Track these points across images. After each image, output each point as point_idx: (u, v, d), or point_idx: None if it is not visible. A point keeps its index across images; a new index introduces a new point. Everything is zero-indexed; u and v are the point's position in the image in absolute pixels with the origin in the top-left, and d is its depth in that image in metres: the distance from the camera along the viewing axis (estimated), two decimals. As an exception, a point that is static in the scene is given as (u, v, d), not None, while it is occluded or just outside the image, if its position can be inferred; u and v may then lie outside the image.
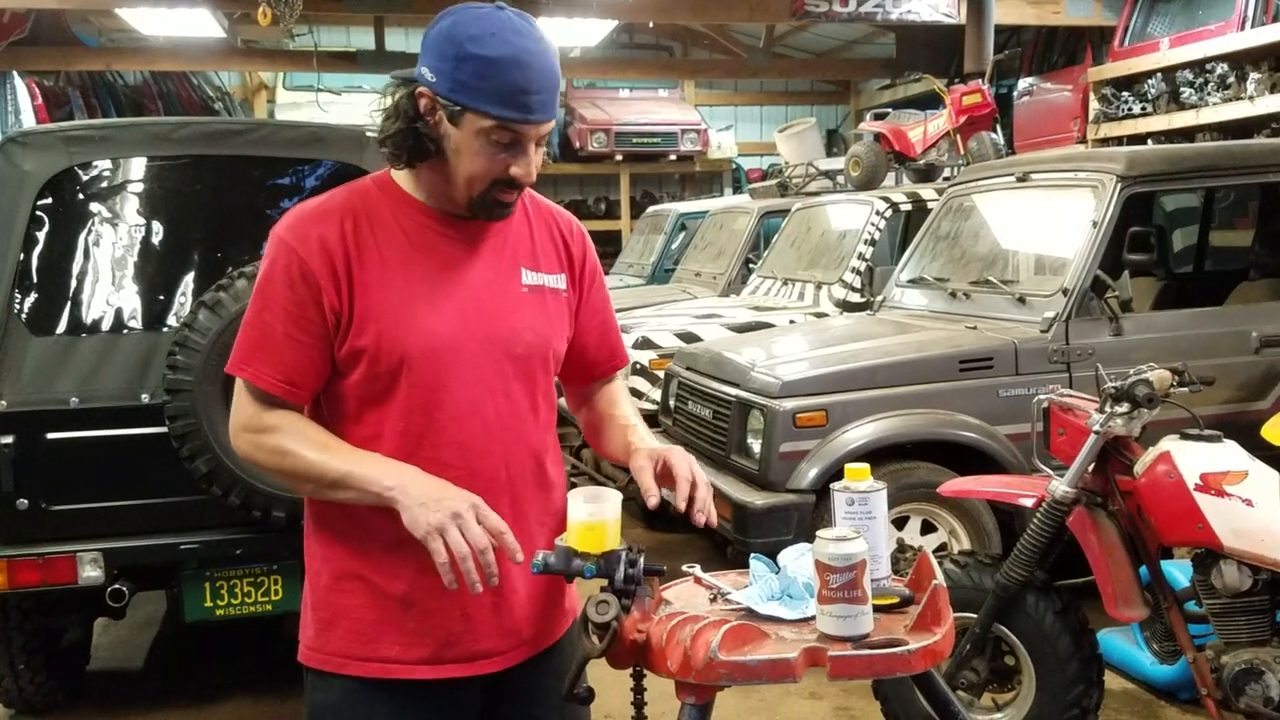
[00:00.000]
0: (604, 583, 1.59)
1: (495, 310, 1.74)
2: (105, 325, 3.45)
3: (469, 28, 1.61)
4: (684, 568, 1.82)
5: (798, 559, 1.72)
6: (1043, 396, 3.32)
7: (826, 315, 6.22)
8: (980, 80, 8.16)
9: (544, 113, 1.65)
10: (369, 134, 3.80)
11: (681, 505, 1.69)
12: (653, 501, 1.68)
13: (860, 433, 4.12)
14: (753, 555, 1.78)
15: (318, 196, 1.77)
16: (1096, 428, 3.02)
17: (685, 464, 1.73)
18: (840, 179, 8.17)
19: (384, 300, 1.68)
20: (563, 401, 1.99)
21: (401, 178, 1.76)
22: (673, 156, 14.30)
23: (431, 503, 1.57)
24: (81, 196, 3.55)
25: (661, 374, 5.46)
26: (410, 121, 1.66)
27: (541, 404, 1.81)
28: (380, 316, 1.67)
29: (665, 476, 1.73)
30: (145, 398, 3.35)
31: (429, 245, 1.73)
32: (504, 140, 1.64)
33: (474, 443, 1.72)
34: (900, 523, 4.17)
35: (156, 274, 3.56)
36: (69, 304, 3.45)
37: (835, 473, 3.58)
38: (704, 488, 1.71)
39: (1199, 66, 8.11)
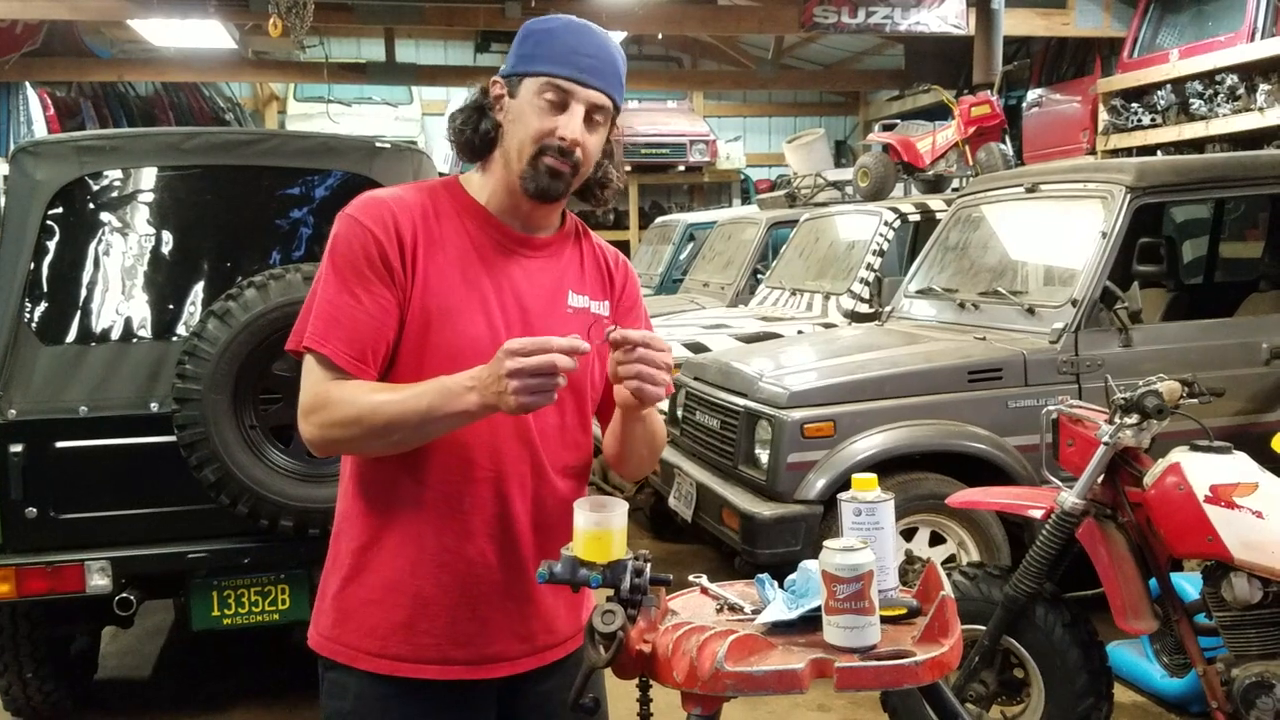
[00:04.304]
0: (610, 592, 1.58)
1: (539, 325, 1.77)
2: (115, 334, 3.46)
3: (540, 21, 1.77)
4: (690, 578, 1.81)
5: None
6: (1052, 408, 3.31)
7: (835, 326, 6.22)
8: (989, 91, 8.19)
9: (595, 77, 1.71)
10: (379, 144, 3.82)
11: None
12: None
13: (868, 443, 4.11)
14: (757, 578, 1.78)
15: (388, 188, 1.82)
16: (1106, 439, 3.01)
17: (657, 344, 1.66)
18: (849, 190, 8.18)
19: (440, 296, 1.71)
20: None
21: (469, 184, 1.82)
22: (681, 167, 14.34)
23: (497, 384, 1.55)
24: (92, 206, 3.56)
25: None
26: (478, 105, 1.77)
27: (571, 423, 1.82)
28: (432, 311, 1.71)
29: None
30: (154, 406, 3.36)
31: (488, 252, 1.77)
32: (554, 99, 1.70)
33: (504, 445, 1.74)
34: (909, 534, 4.16)
35: (166, 283, 3.57)
36: (79, 313, 3.46)
37: (843, 483, 3.58)
38: (659, 363, 1.64)
39: (1208, 78, 8.12)
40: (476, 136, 1.77)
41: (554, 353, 1.54)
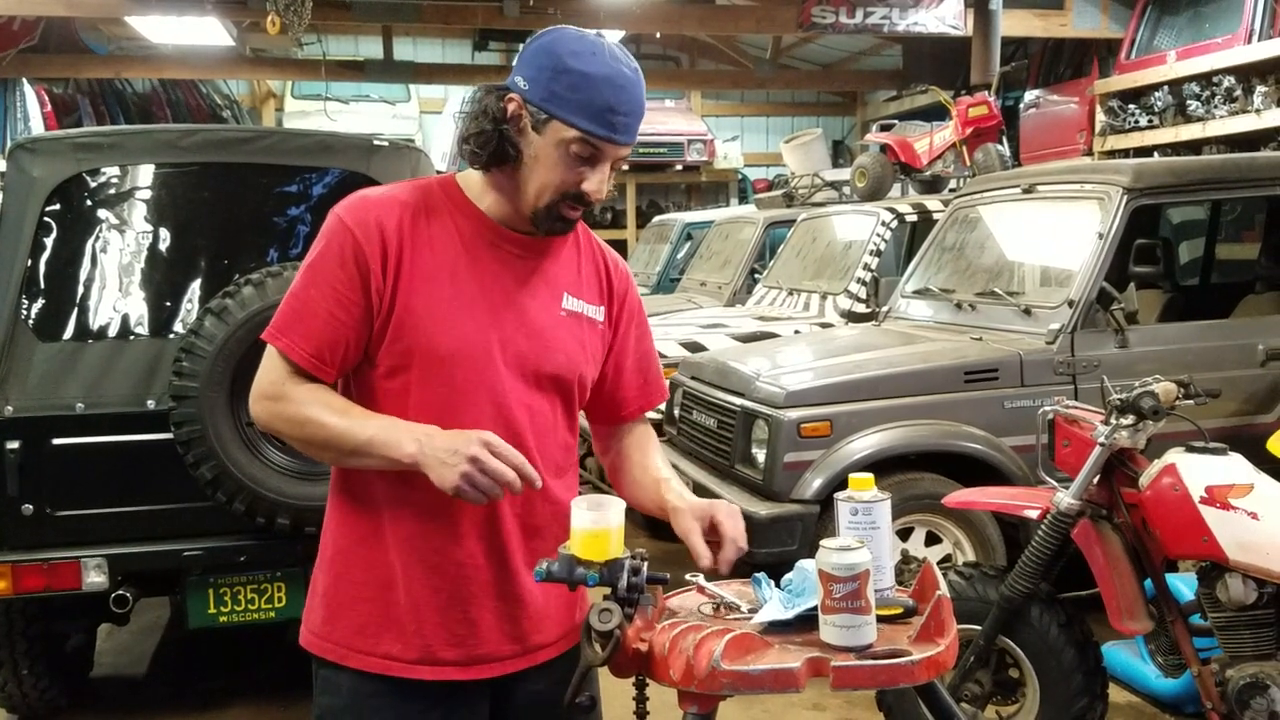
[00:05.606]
0: (607, 591, 1.58)
1: (531, 327, 1.76)
2: (112, 331, 3.46)
3: (571, 44, 1.67)
4: (687, 577, 1.81)
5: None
6: (1048, 408, 3.31)
7: (832, 326, 6.22)
8: (986, 92, 8.19)
9: (627, 135, 1.69)
10: (377, 142, 3.82)
11: (721, 567, 1.72)
12: (705, 564, 1.70)
13: (865, 443, 4.11)
14: (754, 577, 1.78)
15: (382, 187, 1.80)
16: (1102, 440, 3.01)
17: (733, 524, 1.74)
18: (846, 190, 8.18)
19: (426, 297, 1.70)
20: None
21: (467, 185, 1.79)
22: (679, 166, 14.33)
23: (448, 456, 1.58)
24: (89, 203, 3.56)
25: (666, 383, 5.46)
26: (496, 124, 1.69)
27: (561, 423, 1.82)
28: (419, 312, 1.70)
29: (710, 532, 1.75)
30: (151, 404, 3.35)
31: (480, 253, 1.75)
32: (583, 154, 1.67)
33: None
34: (905, 534, 4.16)
35: (163, 280, 3.56)
36: (76, 310, 3.46)
37: (840, 483, 3.56)
38: (739, 550, 1.74)
39: (1206, 79, 8.12)
40: (486, 154, 1.70)
41: (516, 472, 1.58)
